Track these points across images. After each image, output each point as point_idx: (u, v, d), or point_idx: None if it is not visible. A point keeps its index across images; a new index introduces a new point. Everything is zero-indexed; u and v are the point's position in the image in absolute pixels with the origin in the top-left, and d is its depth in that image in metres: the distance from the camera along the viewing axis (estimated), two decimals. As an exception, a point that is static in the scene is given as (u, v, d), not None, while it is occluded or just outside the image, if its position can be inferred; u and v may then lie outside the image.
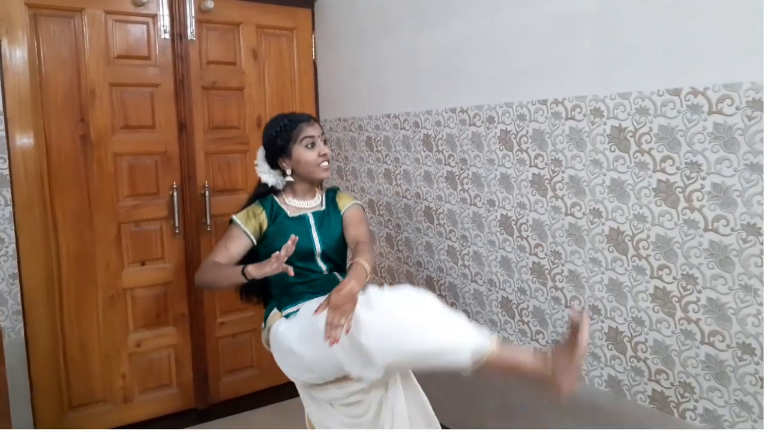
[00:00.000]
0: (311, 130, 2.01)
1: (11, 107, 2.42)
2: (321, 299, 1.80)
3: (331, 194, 2.16)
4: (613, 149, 1.81)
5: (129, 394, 2.79)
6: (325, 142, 2.04)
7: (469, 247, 2.40)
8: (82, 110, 2.59)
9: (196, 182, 2.83)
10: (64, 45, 2.54)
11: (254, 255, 2.03)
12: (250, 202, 2.11)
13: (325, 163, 2.03)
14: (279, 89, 3.12)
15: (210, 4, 2.78)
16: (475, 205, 2.34)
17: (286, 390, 3.20)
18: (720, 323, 1.60)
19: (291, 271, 1.69)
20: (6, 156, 2.41)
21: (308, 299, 1.92)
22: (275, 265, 1.68)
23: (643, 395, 1.81)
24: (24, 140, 2.45)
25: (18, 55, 2.43)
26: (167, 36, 2.74)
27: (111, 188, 2.66)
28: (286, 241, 1.75)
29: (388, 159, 2.81)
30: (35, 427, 2.55)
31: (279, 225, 2.01)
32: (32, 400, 2.53)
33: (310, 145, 2.01)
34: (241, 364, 3.08)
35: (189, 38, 2.77)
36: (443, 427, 2.55)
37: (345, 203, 2.12)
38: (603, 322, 1.91)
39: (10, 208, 2.43)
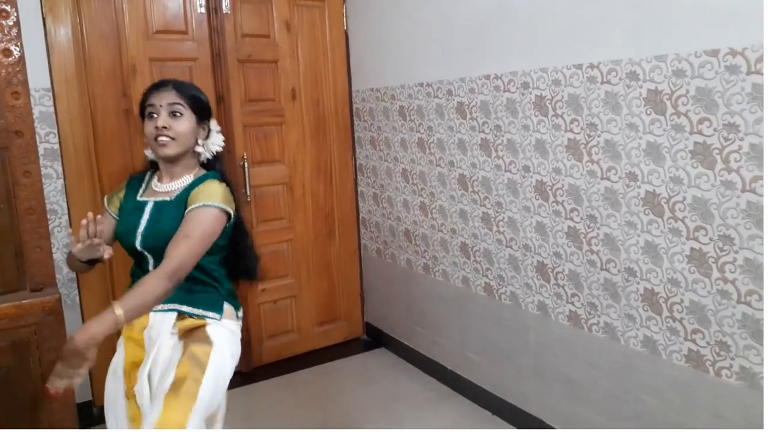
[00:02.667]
0: (155, 98, 1.65)
1: (58, 84, 2.51)
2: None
3: (196, 183, 1.70)
4: (649, 112, 1.82)
5: (177, 357, 2.92)
6: (174, 114, 1.65)
7: (504, 213, 2.43)
8: (125, 85, 2.68)
9: (235, 154, 2.91)
10: (105, 22, 2.62)
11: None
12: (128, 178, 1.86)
13: (163, 138, 1.63)
14: (312, 61, 3.16)
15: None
16: (509, 171, 2.37)
17: (326, 353, 3.34)
18: (757, 282, 1.62)
19: (106, 255, 1.54)
20: (56, 131, 2.52)
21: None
22: (76, 242, 1.51)
23: (679, 354, 1.85)
24: (71, 115, 2.55)
25: (62, 33, 2.51)
26: (203, 10, 2.80)
27: (154, 161, 2.76)
28: (122, 226, 1.68)
29: (421, 128, 2.84)
30: (92, 388, 2.70)
31: (122, 208, 1.77)
32: (88, 363, 2.68)
33: (149, 116, 1.67)
34: (282, 328, 3.20)
35: (224, 12, 2.83)
36: (479, 389, 2.63)
37: (196, 200, 1.63)
38: (638, 283, 1.94)
39: (61, 181, 2.54)
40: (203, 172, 1.76)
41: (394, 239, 3.20)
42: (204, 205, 1.61)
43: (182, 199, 1.67)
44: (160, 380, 1.58)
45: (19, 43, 2.02)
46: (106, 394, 1.77)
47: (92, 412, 2.74)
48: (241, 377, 3.04)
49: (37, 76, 2.39)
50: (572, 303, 2.20)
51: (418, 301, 3.08)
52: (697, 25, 1.66)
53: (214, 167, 1.79)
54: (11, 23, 1.99)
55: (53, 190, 2.52)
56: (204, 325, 1.67)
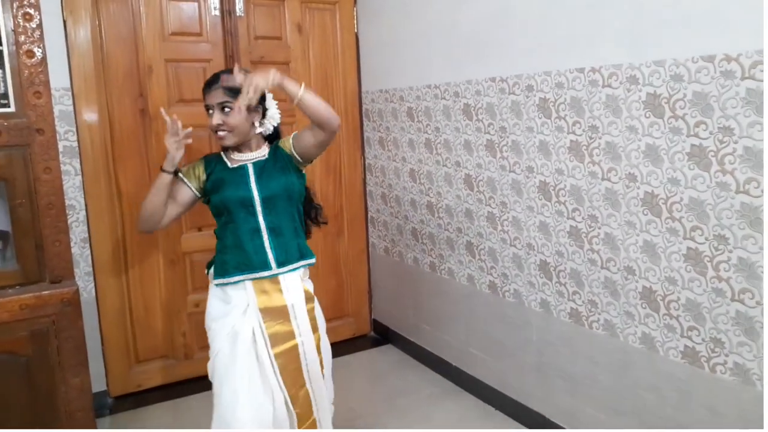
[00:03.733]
0: (208, 98, 1.91)
1: (77, 84, 2.60)
2: (235, 302, 1.94)
3: (275, 146, 2.03)
4: (648, 115, 1.87)
5: (189, 350, 3.00)
6: (223, 109, 1.88)
7: (509, 212, 2.49)
8: (141, 85, 2.76)
9: (247, 153, 2.99)
10: (123, 24, 2.70)
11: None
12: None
13: (221, 133, 1.91)
14: (323, 62, 3.23)
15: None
16: (514, 172, 2.43)
17: (334, 349, 3.38)
18: (750, 281, 1.67)
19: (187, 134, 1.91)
20: (74, 129, 2.60)
21: (236, 274, 1.92)
22: (171, 138, 1.89)
23: (675, 351, 1.90)
24: (89, 115, 2.64)
25: (82, 35, 2.60)
26: (217, 13, 2.88)
27: (169, 159, 2.84)
28: (220, 195, 1.91)
29: (428, 129, 2.90)
30: (107, 378, 2.79)
31: (216, 177, 1.96)
32: (103, 353, 2.77)
33: (208, 113, 1.93)
34: (290, 324, 3.26)
35: (238, 14, 2.90)
36: (483, 384, 2.69)
37: (286, 143, 2.01)
38: (637, 282, 2.00)
39: (79, 178, 2.63)
40: (269, 145, 2.05)
41: (401, 238, 3.27)
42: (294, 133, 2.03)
43: (276, 157, 1.99)
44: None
45: (41, 45, 2.10)
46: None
47: (107, 402, 2.82)
48: (251, 371, 3.11)
49: (58, 76, 2.48)
50: (573, 300, 2.25)
51: (425, 299, 3.14)
52: (694, 32, 1.72)
53: (279, 137, 2.09)
54: (34, 25, 2.08)
55: (71, 186, 2.61)
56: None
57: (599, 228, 2.10)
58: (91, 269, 2.70)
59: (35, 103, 2.11)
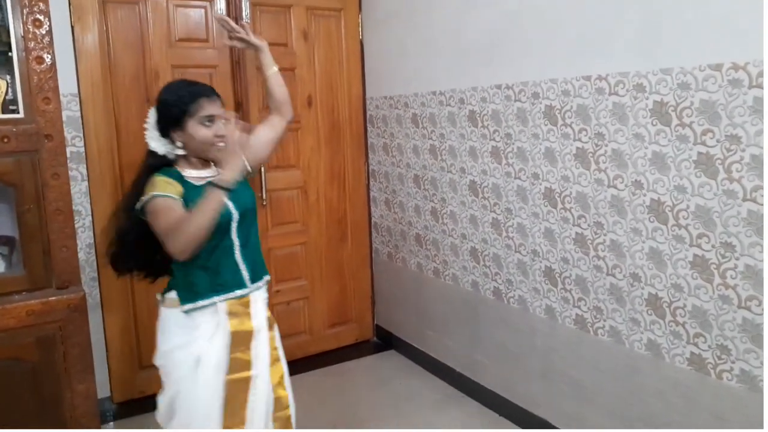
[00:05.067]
0: (211, 108, 1.77)
1: (85, 89, 2.61)
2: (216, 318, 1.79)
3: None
4: (654, 123, 1.89)
5: (193, 355, 3.00)
6: (226, 121, 1.79)
7: (514, 219, 2.50)
8: (148, 91, 2.77)
9: (252, 158, 3.00)
10: (130, 30, 2.72)
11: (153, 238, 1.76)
12: (147, 173, 1.82)
13: (221, 144, 1.76)
14: (328, 69, 3.25)
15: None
16: (519, 178, 2.44)
17: (337, 354, 3.41)
18: (757, 288, 1.68)
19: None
20: (81, 135, 2.61)
21: (210, 296, 1.79)
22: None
23: (682, 358, 1.91)
24: (96, 120, 2.65)
25: (89, 41, 2.61)
26: (223, 19, 2.89)
27: (174, 164, 2.85)
28: None
29: (433, 135, 2.91)
30: (111, 384, 2.79)
31: (190, 197, 1.75)
32: (108, 359, 2.77)
33: (207, 123, 1.77)
34: (294, 329, 3.28)
35: (244, 20, 2.91)
36: (487, 390, 2.69)
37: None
38: (643, 288, 2.00)
39: (86, 183, 2.64)
40: None
41: (405, 243, 3.27)
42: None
43: None
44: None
45: (51, 51, 2.11)
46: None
47: (110, 408, 2.82)
48: (255, 376, 3.11)
49: (66, 82, 2.48)
50: (579, 307, 2.26)
51: (428, 305, 3.15)
52: (701, 41, 1.73)
53: None
54: (44, 32, 2.09)
55: (78, 191, 2.61)
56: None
57: (605, 235, 2.11)
58: (96, 275, 2.70)
59: (44, 109, 2.12)
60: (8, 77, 2.14)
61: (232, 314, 1.81)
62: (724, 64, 1.67)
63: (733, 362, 1.76)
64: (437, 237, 3.00)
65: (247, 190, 1.89)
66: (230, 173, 1.66)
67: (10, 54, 2.08)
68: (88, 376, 2.28)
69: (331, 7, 3.22)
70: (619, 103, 1.99)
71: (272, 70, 2.07)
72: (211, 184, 1.70)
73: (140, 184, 1.79)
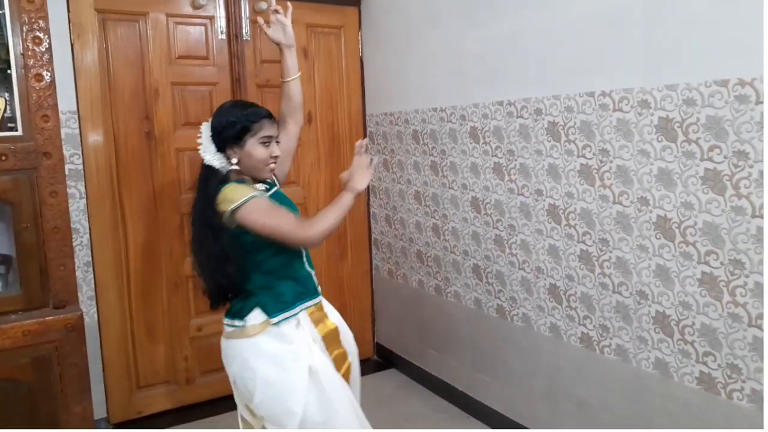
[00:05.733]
0: (271, 130, 1.88)
1: (84, 106, 2.59)
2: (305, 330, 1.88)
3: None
4: (660, 139, 1.87)
5: (191, 375, 2.96)
6: (278, 142, 1.92)
7: (517, 235, 2.48)
8: (147, 108, 2.75)
9: (252, 175, 2.98)
10: (130, 47, 2.71)
11: (235, 245, 1.80)
12: (215, 187, 1.81)
13: (273, 165, 1.90)
14: (328, 86, 3.24)
15: (264, 5, 2.91)
16: (522, 195, 2.42)
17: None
18: None
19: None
20: (80, 152, 2.59)
21: (297, 305, 1.86)
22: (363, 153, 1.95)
23: (690, 377, 1.88)
24: (95, 137, 2.63)
25: (89, 58, 2.60)
26: (224, 37, 2.89)
27: (173, 182, 2.82)
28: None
29: (434, 151, 2.90)
30: (107, 404, 2.74)
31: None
32: (105, 379, 2.72)
33: (265, 144, 1.87)
34: (294, 348, 3.23)
35: (244, 38, 2.91)
36: (491, 410, 2.65)
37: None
38: (650, 306, 1.98)
39: (84, 201, 2.61)
40: None
41: (406, 260, 3.24)
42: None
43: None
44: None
45: (50, 69, 2.10)
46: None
47: (107, 428, 2.77)
48: (254, 396, 3.07)
49: (64, 99, 2.46)
50: (584, 325, 2.23)
51: (430, 322, 3.11)
52: (706, 57, 1.72)
53: None
54: (44, 49, 2.07)
55: (76, 209, 2.58)
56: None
57: (610, 252, 2.09)
58: (93, 293, 2.66)
59: (43, 126, 2.09)
60: (7, 95, 2.12)
61: (317, 321, 1.93)
62: (731, 80, 1.66)
63: (743, 381, 1.73)
64: (439, 254, 2.97)
65: (289, 199, 2.01)
66: (360, 183, 1.90)
67: (9, 71, 2.06)
68: (84, 397, 2.23)
69: (331, 25, 3.22)
70: (623, 119, 1.98)
71: (297, 74, 2.11)
72: (277, 194, 1.92)
73: (209, 197, 1.80)
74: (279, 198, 1.92)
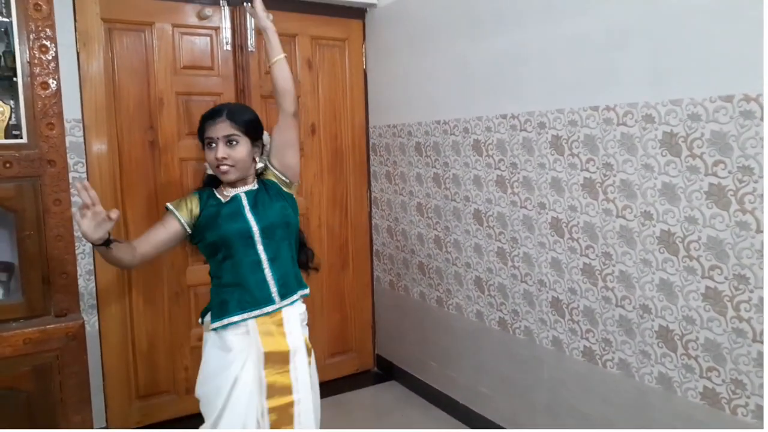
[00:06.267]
0: (212, 131, 1.82)
1: (88, 115, 2.60)
2: (237, 344, 1.82)
3: (267, 182, 1.98)
4: (664, 154, 1.88)
5: (191, 385, 2.91)
6: (230, 142, 1.81)
7: (519, 248, 2.48)
8: (151, 118, 2.76)
9: (255, 185, 2.98)
10: (135, 57, 2.72)
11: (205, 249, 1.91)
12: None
13: (224, 167, 1.82)
14: (331, 98, 3.25)
15: (269, 17, 2.91)
16: (525, 207, 2.42)
17: (336, 385, 3.34)
18: (772, 322, 1.65)
19: (112, 215, 1.63)
20: (84, 160, 2.59)
21: (239, 313, 1.83)
22: (82, 197, 1.60)
23: (694, 392, 1.87)
24: (99, 146, 2.64)
25: (94, 67, 2.61)
26: (229, 47, 2.90)
27: (177, 191, 2.82)
28: (216, 230, 1.81)
29: (437, 163, 2.91)
30: (107, 414, 2.72)
31: (209, 212, 1.86)
32: (104, 389, 2.70)
33: (210, 145, 1.84)
34: (294, 359, 3.21)
35: (249, 49, 2.92)
36: (492, 424, 2.64)
37: (267, 170, 1.99)
38: (653, 320, 1.97)
39: (87, 209, 2.60)
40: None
41: (407, 272, 3.24)
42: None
43: (268, 185, 1.94)
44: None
45: (56, 77, 2.11)
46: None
47: (106, 438, 2.75)
48: (254, 407, 3.05)
49: (70, 108, 2.46)
50: (587, 339, 2.22)
51: (431, 334, 3.10)
52: (712, 71, 1.73)
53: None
54: (50, 58, 2.08)
55: (78, 217, 2.57)
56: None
57: (613, 265, 2.09)
58: (95, 302, 2.65)
59: (48, 134, 2.10)
60: (12, 102, 2.13)
61: (265, 333, 1.82)
62: (736, 96, 1.67)
63: (748, 397, 1.73)
64: (441, 265, 2.97)
65: (276, 203, 1.91)
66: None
67: (15, 79, 2.07)
68: (84, 406, 2.22)
69: (335, 37, 3.24)
70: (627, 134, 1.99)
71: (278, 56, 1.93)
72: (235, 199, 1.87)
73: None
74: (231, 209, 1.86)
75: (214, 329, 1.85)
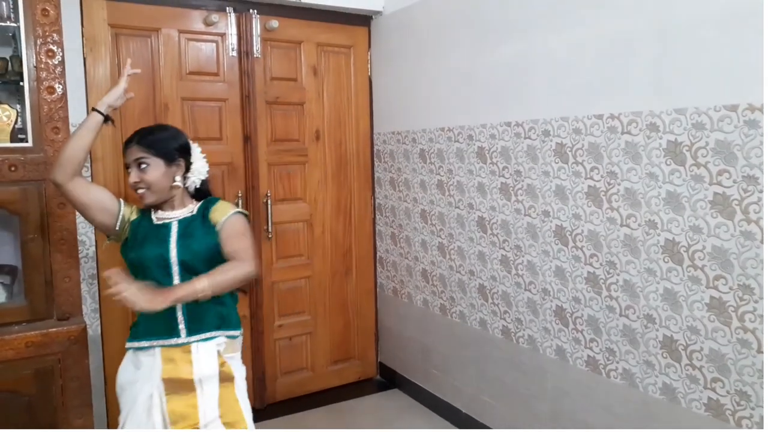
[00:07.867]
0: (126, 156, 1.85)
1: (94, 120, 2.60)
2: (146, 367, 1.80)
3: (206, 204, 1.91)
4: (668, 163, 1.87)
5: (192, 391, 2.93)
6: (140, 165, 1.81)
7: (523, 256, 2.47)
8: (156, 123, 2.76)
9: (259, 191, 2.99)
10: (142, 62, 2.73)
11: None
12: None
13: (140, 191, 1.82)
14: (336, 104, 3.26)
15: (275, 24, 2.94)
16: (529, 215, 2.41)
17: (339, 393, 3.33)
18: (777, 333, 1.64)
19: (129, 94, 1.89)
20: (88, 165, 2.60)
21: (150, 339, 1.80)
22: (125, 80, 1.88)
23: (699, 403, 1.85)
24: (104, 150, 2.64)
25: (101, 72, 2.62)
26: (234, 54, 2.91)
27: (181, 196, 2.82)
28: (138, 251, 1.79)
29: (441, 170, 2.90)
30: (108, 418, 2.72)
31: (138, 231, 1.86)
32: (106, 393, 2.70)
33: (127, 171, 1.86)
34: (296, 365, 3.21)
35: (255, 56, 2.94)
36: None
37: (219, 216, 1.85)
38: (658, 330, 1.96)
39: (91, 213, 2.61)
40: (196, 202, 1.94)
41: (410, 279, 3.23)
42: (233, 214, 1.86)
43: (204, 217, 1.86)
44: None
45: (62, 81, 2.12)
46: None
47: (107, 444, 2.75)
48: (254, 414, 3.03)
49: (76, 112, 2.47)
50: (591, 348, 2.21)
51: (434, 342, 3.09)
52: (716, 81, 1.73)
53: (208, 194, 1.98)
54: (56, 62, 2.10)
55: (82, 221, 2.56)
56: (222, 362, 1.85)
57: (618, 275, 2.08)
58: (97, 306, 2.66)
59: (53, 138, 2.11)
60: (18, 106, 2.14)
61: (168, 360, 1.78)
62: (740, 105, 1.66)
63: (752, 409, 1.71)
64: (444, 273, 2.96)
65: (204, 238, 1.83)
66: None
67: (21, 83, 2.08)
68: (86, 410, 2.22)
69: (341, 44, 3.25)
70: (632, 142, 1.98)
71: (200, 295, 1.70)
72: (165, 226, 1.84)
73: None
74: (159, 233, 1.84)
75: (128, 349, 1.87)
